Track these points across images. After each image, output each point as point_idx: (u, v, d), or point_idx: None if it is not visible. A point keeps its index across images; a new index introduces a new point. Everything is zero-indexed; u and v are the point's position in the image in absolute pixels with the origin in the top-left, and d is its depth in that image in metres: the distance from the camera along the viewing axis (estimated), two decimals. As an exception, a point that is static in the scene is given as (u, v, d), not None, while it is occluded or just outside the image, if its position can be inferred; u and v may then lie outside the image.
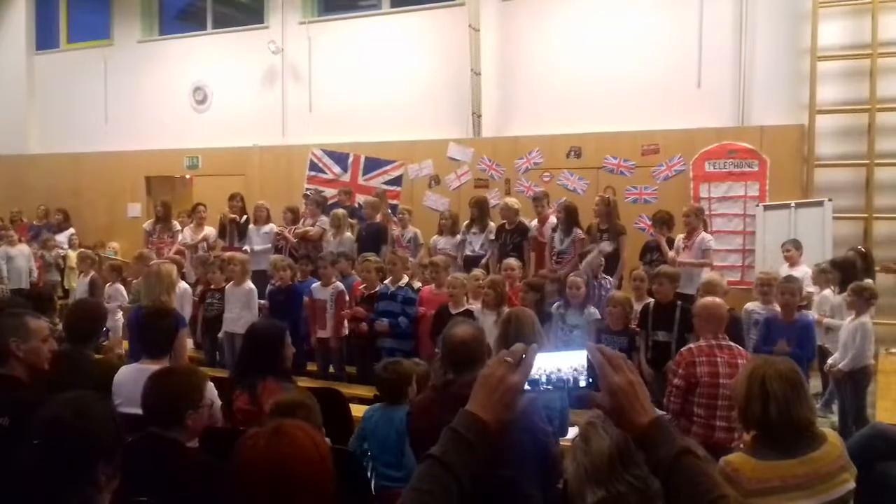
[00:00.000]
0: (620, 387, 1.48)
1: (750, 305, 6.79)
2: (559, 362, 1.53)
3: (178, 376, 3.07)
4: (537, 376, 1.52)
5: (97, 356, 4.39)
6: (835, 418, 6.58)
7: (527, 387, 1.51)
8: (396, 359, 4.51)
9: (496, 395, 1.49)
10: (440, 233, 9.14)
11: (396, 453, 4.00)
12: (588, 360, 1.52)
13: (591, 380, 1.51)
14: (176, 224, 10.62)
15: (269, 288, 7.92)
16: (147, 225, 10.84)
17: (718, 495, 1.43)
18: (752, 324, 6.47)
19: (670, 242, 8.04)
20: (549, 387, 1.53)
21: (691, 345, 4.90)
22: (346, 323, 7.50)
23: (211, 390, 3.70)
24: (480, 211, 8.99)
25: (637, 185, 9.98)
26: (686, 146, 9.71)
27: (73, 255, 11.44)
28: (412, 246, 9.23)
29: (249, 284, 7.75)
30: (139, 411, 3.31)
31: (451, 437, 1.48)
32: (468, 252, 8.88)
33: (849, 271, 6.88)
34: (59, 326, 4.86)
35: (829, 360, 6.46)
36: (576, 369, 1.52)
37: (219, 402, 3.93)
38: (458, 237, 8.99)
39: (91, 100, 14.44)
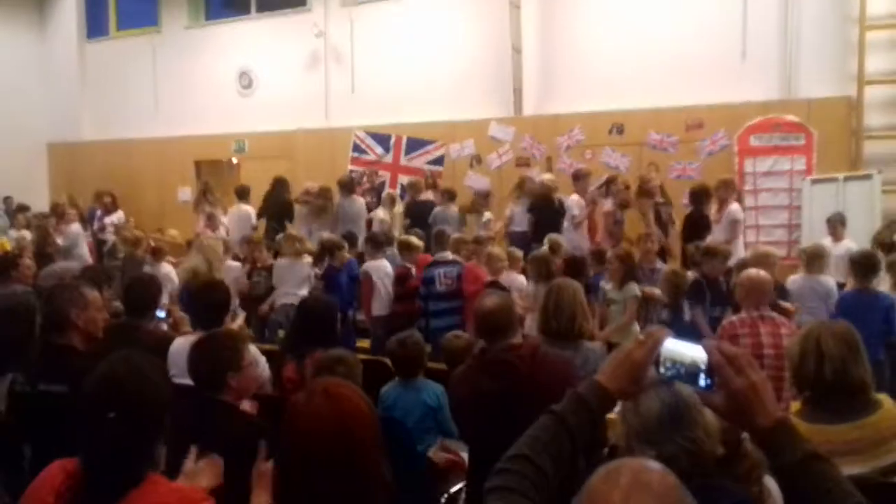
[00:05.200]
0: (741, 389, 1.44)
1: (793, 278, 6.67)
2: (685, 352, 1.53)
3: (217, 341, 3.17)
4: (662, 360, 1.55)
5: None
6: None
7: (661, 371, 1.54)
8: (410, 332, 4.53)
9: (622, 368, 1.57)
10: (472, 210, 9.33)
11: (418, 427, 4.05)
12: (709, 363, 1.48)
13: (709, 381, 1.48)
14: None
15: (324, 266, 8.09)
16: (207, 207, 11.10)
17: (856, 503, 1.39)
18: (795, 296, 6.36)
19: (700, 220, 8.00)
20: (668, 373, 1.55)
21: (733, 317, 4.87)
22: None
23: (256, 353, 3.83)
24: (521, 189, 9.07)
25: (681, 161, 9.87)
26: (731, 120, 9.56)
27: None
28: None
29: (306, 259, 7.92)
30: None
31: (574, 398, 1.57)
32: (515, 228, 9.02)
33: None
34: (116, 302, 5.02)
35: None
36: (697, 364, 1.50)
37: (267, 371, 4.05)
38: (488, 214, 9.16)
39: (141, 86, 14.74)
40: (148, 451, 2.03)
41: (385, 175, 11.36)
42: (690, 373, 1.50)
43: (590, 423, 1.54)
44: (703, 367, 1.48)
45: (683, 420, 1.70)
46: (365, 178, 10.78)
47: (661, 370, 1.54)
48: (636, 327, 6.22)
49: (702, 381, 1.49)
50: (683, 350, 1.53)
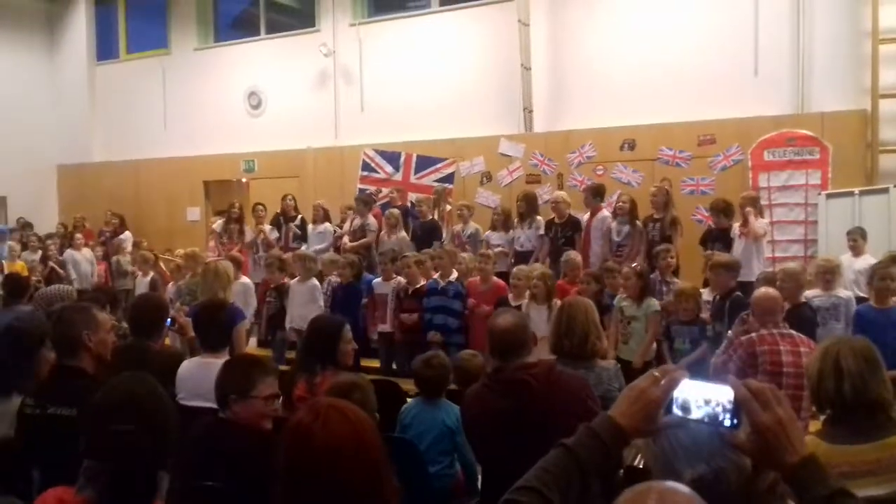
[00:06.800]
0: (767, 426, 1.42)
1: (810, 293, 6.60)
2: (703, 393, 1.49)
3: (234, 363, 3.15)
4: (678, 401, 1.51)
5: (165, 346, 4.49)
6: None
7: (677, 412, 1.50)
8: (435, 352, 4.49)
9: (637, 405, 1.53)
10: (493, 228, 9.17)
11: (433, 448, 4.03)
12: (735, 400, 1.45)
13: (735, 421, 1.45)
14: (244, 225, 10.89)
15: (330, 285, 8.11)
16: (217, 226, 11.06)
17: None
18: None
19: (725, 232, 7.93)
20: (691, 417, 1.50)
21: (753, 334, 4.80)
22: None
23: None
24: (528, 206, 8.98)
25: (694, 177, 9.77)
26: (744, 135, 9.49)
27: (122, 260, 11.62)
28: (472, 242, 9.22)
29: (314, 281, 7.96)
30: (201, 404, 3.38)
31: (586, 433, 1.54)
32: (517, 247, 8.90)
33: None
34: (123, 324, 4.98)
35: None
36: (719, 404, 1.47)
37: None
38: (511, 232, 9.00)
39: (150, 108, 14.83)
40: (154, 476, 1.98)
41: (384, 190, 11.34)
42: (713, 413, 1.47)
43: (601, 458, 1.51)
44: (728, 406, 1.45)
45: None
46: (390, 198, 10.72)
47: (692, 411, 1.49)
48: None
49: (727, 421, 1.46)
50: (703, 390, 1.49)
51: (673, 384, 1.50)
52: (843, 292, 6.61)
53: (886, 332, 5.52)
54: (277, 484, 1.82)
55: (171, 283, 8.60)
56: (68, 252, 11.34)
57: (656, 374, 1.55)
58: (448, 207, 10.10)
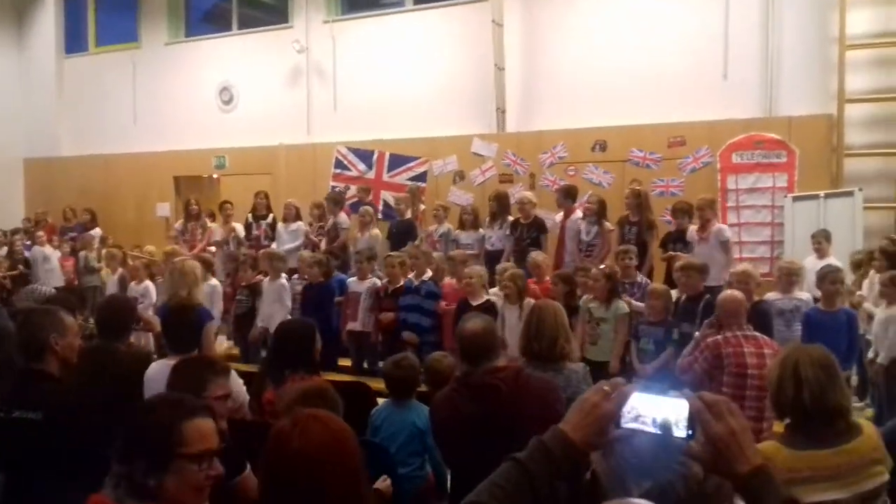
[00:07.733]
0: (720, 436, 1.45)
1: (771, 295, 6.68)
2: (658, 407, 1.50)
3: (183, 366, 3.13)
4: (632, 414, 1.51)
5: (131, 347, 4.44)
6: (870, 411, 6.47)
7: (630, 425, 1.51)
8: (405, 353, 4.49)
9: (588, 419, 1.52)
10: (461, 227, 9.18)
11: (403, 450, 4.04)
12: (690, 412, 1.47)
13: (690, 431, 1.47)
14: (206, 221, 10.79)
15: (300, 284, 8.08)
16: (178, 225, 10.98)
17: None
18: (774, 314, 6.37)
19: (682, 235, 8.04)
20: (650, 428, 1.50)
21: (718, 336, 4.88)
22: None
23: (235, 384, 3.73)
24: (500, 206, 8.99)
25: (664, 178, 9.81)
26: (713, 138, 9.58)
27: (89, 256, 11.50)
28: (444, 241, 9.21)
29: (282, 280, 7.89)
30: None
31: (537, 446, 1.53)
32: (487, 247, 8.91)
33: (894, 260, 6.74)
34: (90, 322, 4.93)
35: (869, 354, 6.35)
36: (676, 419, 1.48)
37: (246, 397, 3.97)
38: (481, 231, 9.02)
39: (120, 102, 14.66)
40: None
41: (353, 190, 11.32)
42: (667, 425, 1.48)
43: (552, 472, 1.51)
44: (682, 417, 1.47)
45: (672, 445, 1.67)
46: (359, 197, 10.68)
47: (673, 430, 1.49)
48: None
49: (681, 432, 1.47)
50: (656, 403, 1.50)
51: (624, 398, 1.52)
52: (804, 294, 6.70)
53: (833, 335, 5.66)
54: (260, 491, 1.84)
55: (135, 282, 8.49)
56: (36, 248, 11.16)
57: (606, 388, 1.55)
58: (422, 207, 10.09)
